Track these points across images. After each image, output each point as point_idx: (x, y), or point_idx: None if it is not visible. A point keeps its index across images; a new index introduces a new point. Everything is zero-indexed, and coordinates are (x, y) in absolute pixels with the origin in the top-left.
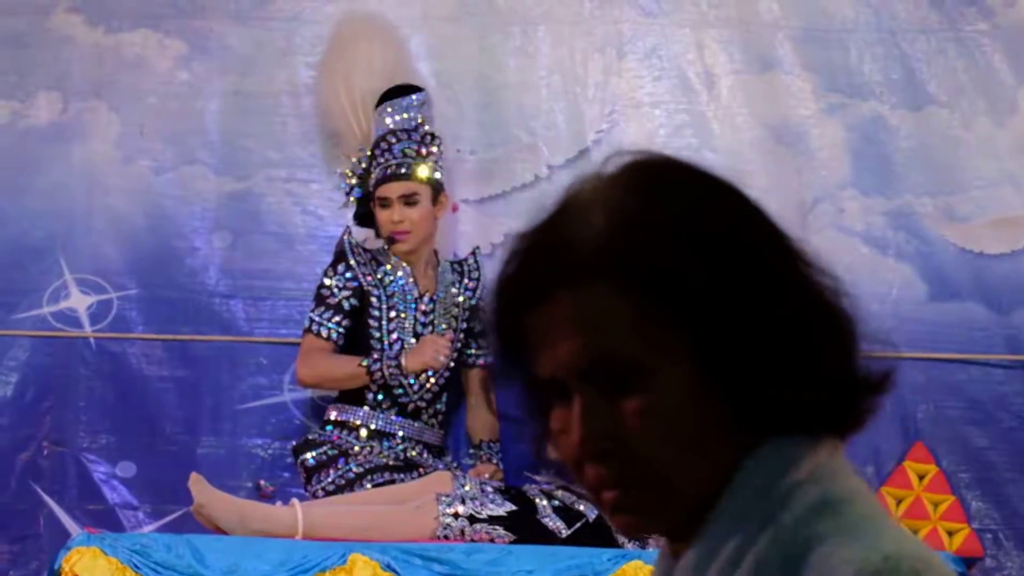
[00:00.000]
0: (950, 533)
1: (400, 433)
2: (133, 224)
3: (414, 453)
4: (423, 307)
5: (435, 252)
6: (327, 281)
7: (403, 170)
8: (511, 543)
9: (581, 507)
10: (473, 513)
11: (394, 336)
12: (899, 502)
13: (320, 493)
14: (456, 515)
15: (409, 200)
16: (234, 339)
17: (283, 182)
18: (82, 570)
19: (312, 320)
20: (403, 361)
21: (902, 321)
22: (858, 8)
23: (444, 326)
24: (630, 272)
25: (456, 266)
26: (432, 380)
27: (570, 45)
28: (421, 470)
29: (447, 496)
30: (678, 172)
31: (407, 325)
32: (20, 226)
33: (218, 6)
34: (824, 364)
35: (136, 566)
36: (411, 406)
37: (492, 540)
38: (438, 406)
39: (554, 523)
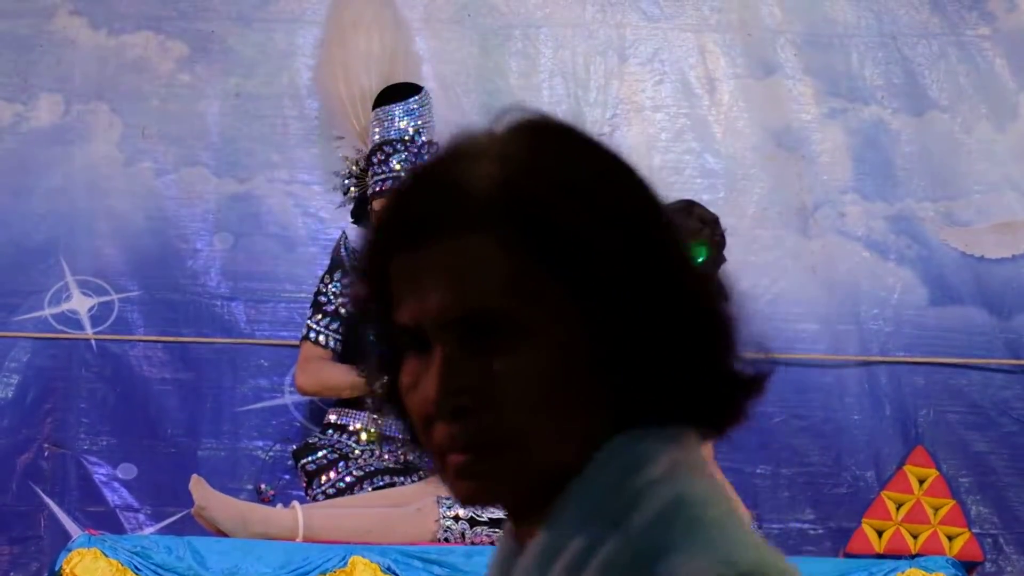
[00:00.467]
0: (950, 537)
1: (401, 436)
2: (134, 226)
3: (414, 456)
4: None
5: None
6: (323, 288)
7: (387, 187)
8: None
9: None
10: (474, 516)
11: None
12: (899, 506)
13: (320, 496)
14: (457, 518)
15: None
16: (235, 341)
17: (284, 184)
18: (82, 572)
19: (310, 327)
20: None
21: (903, 325)
22: (859, 13)
23: None
24: (520, 224)
25: None
26: None
27: (572, 48)
28: (421, 473)
29: (448, 499)
30: (579, 138)
31: None
32: (22, 228)
33: (220, 8)
34: (702, 355)
35: (136, 568)
36: None
37: (493, 543)
38: None
39: None
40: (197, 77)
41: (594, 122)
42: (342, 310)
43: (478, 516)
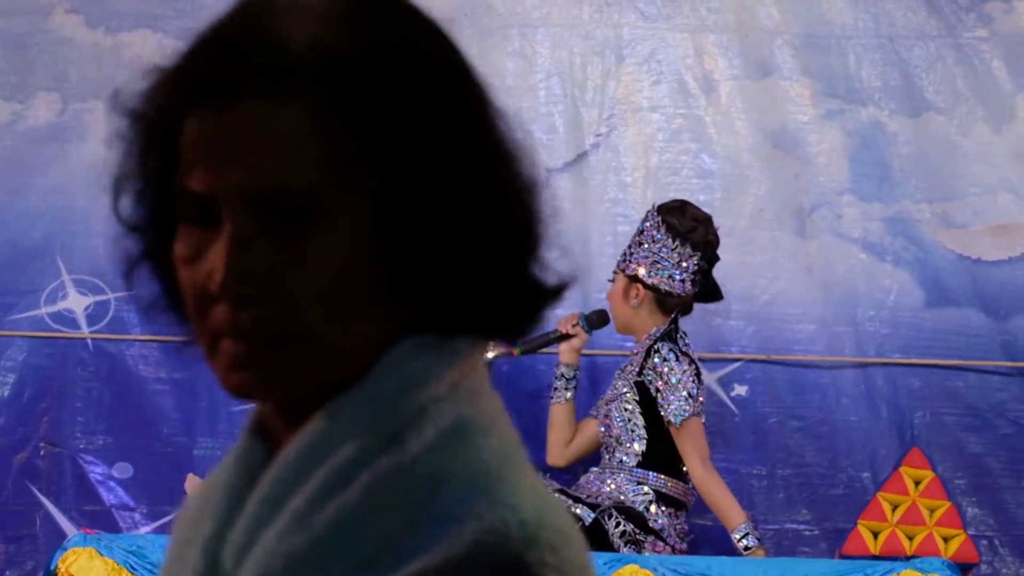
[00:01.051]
0: (946, 539)
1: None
2: None
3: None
4: None
5: None
6: None
7: None
8: None
9: (577, 510)
10: None
11: None
12: (895, 507)
13: None
14: None
15: None
16: None
17: None
18: (78, 571)
19: None
20: None
21: (899, 327)
22: (857, 14)
23: None
24: (336, 91)
25: None
26: None
27: (569, 48)
28: None
29: None
30: (404, 4)
31: None
32: (18, 226)
33: (216, 6)
34: (506, 257)
35: (132, 567)
36: None
37: None
38: None
39: None
40: None
41: (591, 122)
42: None
43: None
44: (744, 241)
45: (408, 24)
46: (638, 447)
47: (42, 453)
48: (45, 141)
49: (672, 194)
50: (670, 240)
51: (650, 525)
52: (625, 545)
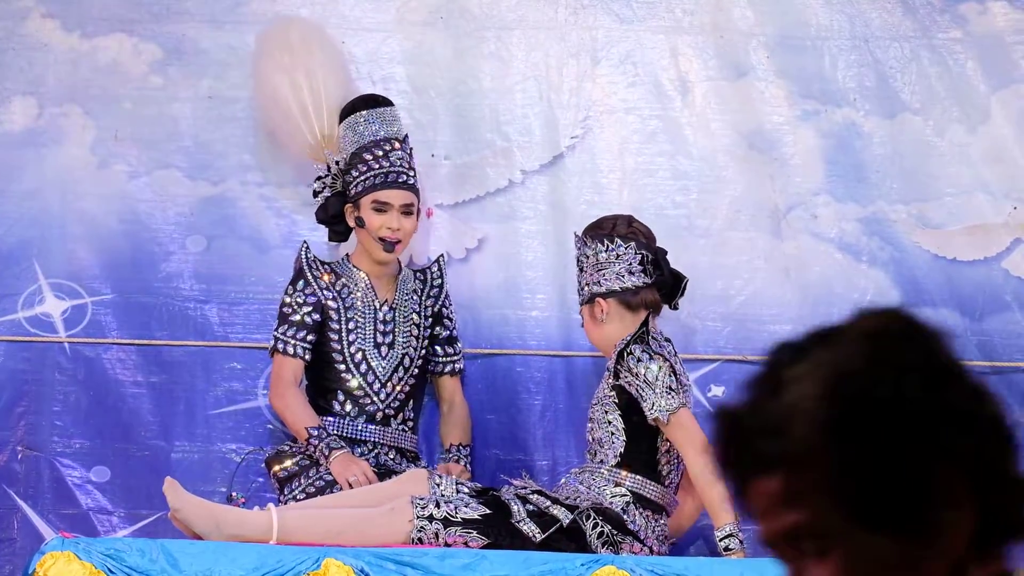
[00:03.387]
0: None
1: (372, 440)
2: (107, 229)
3: (388, 458)
4: (383, 315)
5: (398, 261)
6: (287, 299)
7: (402, 179)
8: (485, 547)
9: (555, 511)
10: (448, 515)
11: (354, 348)
12: None
13: (292, 502)
14: (431, 518)
15: (407, 210)
16: (208, 344)
17: (257, 187)
18: (56, 574)
19: (277, 339)
20: (332, 457)
21: None
22: (832, 15)
23: (404, 337)
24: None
25: (419, 274)
26: (397, 387)
27: (544, 51)
28: (395, 476)
29: (421, 499)
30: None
31: (367, 335)
32: None
33: (192, 10)
34: None
35: (110, 570)
36: (379, 415)
37: (467, 543)
38: (406, 413)
39: (528, 528)
40: (170, 80)
41: (567, 124)
42: (307, 319)
43: (452, 517)
44: (720, 242)
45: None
46: (617, 449)
47: (20, 457)
48: (21, 145)
49: (648, 195)
50: (599, 245)
51: (628, 527)
52: (603, 546)
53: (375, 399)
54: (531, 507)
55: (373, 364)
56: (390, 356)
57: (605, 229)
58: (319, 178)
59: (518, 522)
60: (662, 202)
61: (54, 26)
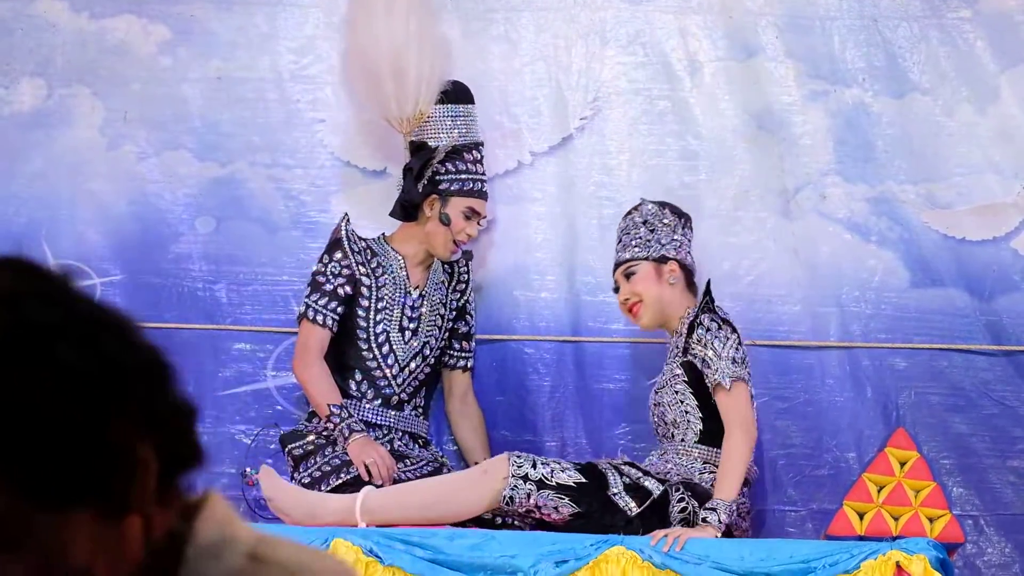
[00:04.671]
0: (931, 519)
1: (387, 424)
2: (116, 210)
3: (402, 443)
4: (412, 302)
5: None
6: (321, 267)
7: (487, 189)
8: (574, 515)
9: (647, 483)
10: (543, 478)
11: (379, 328)
12: (880, 488)
13: (306, 479)
14: (526, 478)
15: (482, 221)
16: (217, 328)
17: (266, 167)
18: None
19: (308, 306)
20: (352, 439)
21: (884, 307)
22: None
23: (428, 326)
24: None
25: (447, 267)
26: (415, 373)
27: (553, 32)
28: (408, 461)
29: (520, 456)
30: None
31: (394, 317)
32: (3, 212)
33: None
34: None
35: None
36: (395, 398)
37: (556, 509)
38: (418, 399)
39: (624, 501)
40: (178, 61)
41: (576, 105)
42: (340, 290)
43: (547, 480)
44: (729, 222)
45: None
46: (695, 427)
47: None
48: (30, 127)
49: (658, 176)
50: (676, 220)
51: None
52: (679, 523)
53: (392, 382)
54: (626, 479)
55: (395, 347)
56: (412, 342)
57: (681, 212)
58: (420, 156)
59: (615, 495)
60: (671, 182)
61: (62, 7)
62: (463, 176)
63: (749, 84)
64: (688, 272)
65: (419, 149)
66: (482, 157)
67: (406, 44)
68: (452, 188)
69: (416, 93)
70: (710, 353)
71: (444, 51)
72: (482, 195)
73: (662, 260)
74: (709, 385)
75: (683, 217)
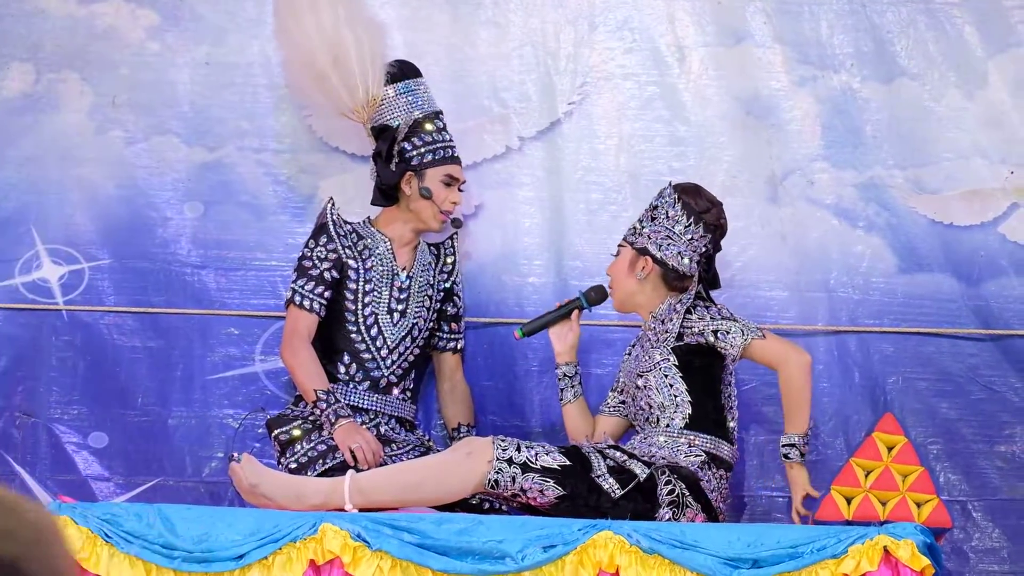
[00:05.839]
0: (919, 504)
1: (374, 409)
2: (105, 194)
3: (389, 428)
4: (400, 283)
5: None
6: (307, 252)
7: (457, 153)
8: (560, 498)
9: (632, 466)
10: (528, 461)
11: (368, 310)
12: (868, 473)
13: (292, 465)
14: (511, 461)
15: (461, 186)
16: (205, 312)
17: (255, 152)
18: None
19: (295, 291)
20: (338, 425)
21: (872, 293)
22: None
23: (416, 307)
24: None
25: (433, 248)
26: (404, 355)
27: (542, 17)
28: (394, 445)
29: (504, 440)
30: None
31: (382, 299)
32: None
33: None
34: None
35: (106, 535)
36: (383, 381)
37: (542, 492)
38: (407, 383)
39: (608, 484)
40: (167, 46)
41: (564, 90)
42: (327, 274)
43: (531, 463)
44: None
45: None
46: (684, 411)
47: (17, 423)
48: (19, 112)
49: (646, 162)
50: (684, 217)
51: (703, 486)
52: (668, 507)
53: (381, 364)
54: (610, 462)
55: (384, 329)
56: (401, 324)
57: (698, 207)
58: (383, 138)
59: (598, 477)
60: (659, 168)
61: None
62: (432, 146)
63: (737, 70)
64: (669, 272)
65: (381, 133)
66: (444, 125)
67: (339, 32)
68: (425, 160)
69: (363, 77)
70: (721, 324)
71: (379, 31)
72: (455, 160)
73: (642, 252)
74: (734, 352)
75: (699, 215)
